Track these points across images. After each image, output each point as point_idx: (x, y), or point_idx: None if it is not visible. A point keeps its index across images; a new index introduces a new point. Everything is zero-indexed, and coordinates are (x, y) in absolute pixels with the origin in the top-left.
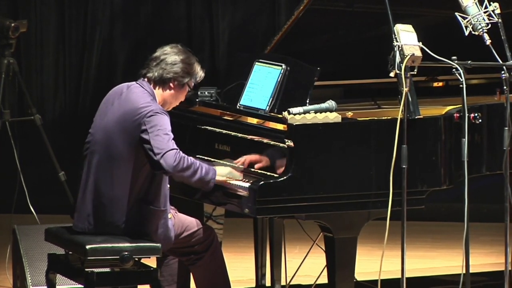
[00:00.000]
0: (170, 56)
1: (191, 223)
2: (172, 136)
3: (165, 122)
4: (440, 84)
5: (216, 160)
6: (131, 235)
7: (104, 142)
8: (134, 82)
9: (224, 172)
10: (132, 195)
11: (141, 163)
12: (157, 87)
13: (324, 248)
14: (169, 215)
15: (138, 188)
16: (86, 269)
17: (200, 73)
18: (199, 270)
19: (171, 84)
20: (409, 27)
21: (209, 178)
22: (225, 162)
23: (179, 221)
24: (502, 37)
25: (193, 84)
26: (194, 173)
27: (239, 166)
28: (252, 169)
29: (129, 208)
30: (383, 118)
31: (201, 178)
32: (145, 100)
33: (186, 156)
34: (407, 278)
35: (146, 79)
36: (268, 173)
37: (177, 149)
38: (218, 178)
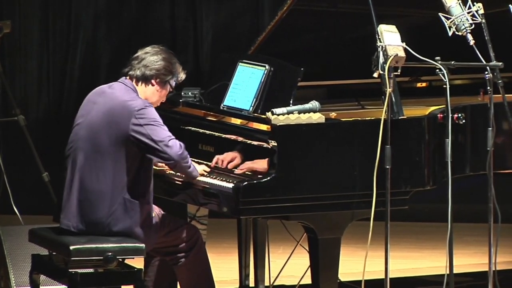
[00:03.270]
0: (152, 55)
1: (175, 222)
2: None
3: (155, 114)
4: (424, 84)
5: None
6: (116, 232)
7: (89, 138)
8: (115, 82)
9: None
10: (118, 189)
11: (127, 157)
12: (139, 84)
13: (307, 249)
14: (153, 214)
15: (124, 183)
16: (70, 270)
17: (181, 74)
18: (183, 269)
19: (153, 81)
20: (393, 28)
21: (193, 169)
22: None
23: (164, 221)
24: (486, 38)
25: (174, 84)
26: (188, 163)
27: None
28: (235, 170)
29: (114, 203)
30: (367, 118)
31: (191, 169)
32: (130, 96)
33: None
34: (391, 279)
35: (128, 77)
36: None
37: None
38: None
